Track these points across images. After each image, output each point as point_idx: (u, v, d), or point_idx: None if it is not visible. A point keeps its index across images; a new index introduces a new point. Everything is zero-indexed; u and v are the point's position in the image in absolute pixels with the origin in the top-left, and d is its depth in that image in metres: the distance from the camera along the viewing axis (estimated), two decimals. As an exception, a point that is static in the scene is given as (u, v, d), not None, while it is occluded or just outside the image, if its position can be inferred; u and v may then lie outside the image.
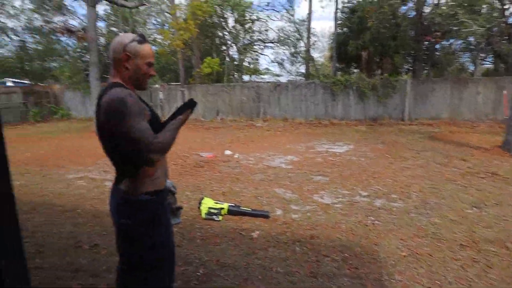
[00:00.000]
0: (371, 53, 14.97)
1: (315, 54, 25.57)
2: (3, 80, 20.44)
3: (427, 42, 14.84)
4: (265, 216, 3.80)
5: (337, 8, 16.76)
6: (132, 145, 1.37)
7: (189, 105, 1.58)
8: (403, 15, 14.58)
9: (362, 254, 2.95)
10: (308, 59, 19.76)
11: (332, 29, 17.58)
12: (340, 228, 3.48)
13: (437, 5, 13.59)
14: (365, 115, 12.62)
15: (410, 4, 14.60)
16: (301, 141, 8.99)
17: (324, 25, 54.84)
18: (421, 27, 14.04)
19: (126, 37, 1.49)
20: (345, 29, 17.13)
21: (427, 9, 14.09)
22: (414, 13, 14.45)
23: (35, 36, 20.13)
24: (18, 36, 19.74)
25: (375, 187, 4.82)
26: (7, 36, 19.24)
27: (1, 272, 0.71)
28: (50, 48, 19.84)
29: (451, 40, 15.95)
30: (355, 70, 19.16)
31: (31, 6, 19.12)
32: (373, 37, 14.64)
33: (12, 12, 19.04)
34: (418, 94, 12.01)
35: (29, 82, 19.83)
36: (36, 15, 19.49)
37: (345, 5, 17.42)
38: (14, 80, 21.03)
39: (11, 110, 15.16)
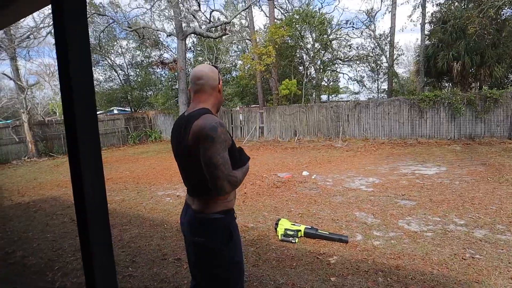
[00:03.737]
0: (465, 65, 13.43)
1: (399, 70, 24.11)
2: (111, 109, 23.87)
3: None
4: (343, 240, 3.60)
5: (424, 19, 15.64)
6: (211, 169, 1.41)
7: (246, 159, 1.65)
8: (506, 19, 12.84)
9: (459, 293, 2.56)
10: (392, 75, 18.69)
11: (419, 42, 16.38)
12: (432, 260, 3.10)
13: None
14: (460, 133, 11.30)
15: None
16: (384, 162, 8.41)
17: (409, 38, 51.41)
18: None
19: (214, 68, 1.64)
20: (434, 40, 15.79)
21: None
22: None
23: (136, 69, 23.25)
24: (123, 71, 23.02)
25: (474, 215, 4.21)
26: (115, 71, 22.56)
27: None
28: (148, 79, 22.65)
29: None
30: (446, 85, 17.42)
31: (134, 45, 22.35)
32: (470, 47, 13.15)
33: (119, 51, 22.44)
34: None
35: (130, 110, 22.78)
36: (138, 52, 22.74)
37: (435, 15, 16.11)
38: (119, 108, 24.42)
39: (116, 134, 17.56)
